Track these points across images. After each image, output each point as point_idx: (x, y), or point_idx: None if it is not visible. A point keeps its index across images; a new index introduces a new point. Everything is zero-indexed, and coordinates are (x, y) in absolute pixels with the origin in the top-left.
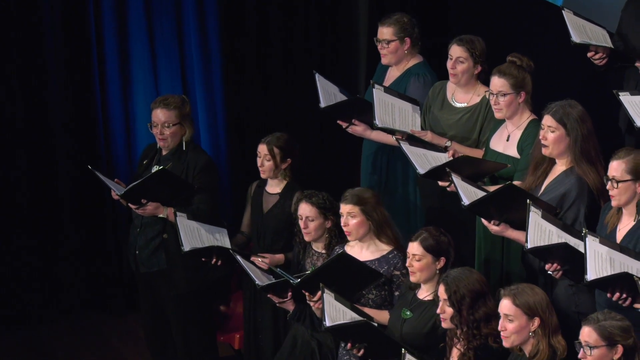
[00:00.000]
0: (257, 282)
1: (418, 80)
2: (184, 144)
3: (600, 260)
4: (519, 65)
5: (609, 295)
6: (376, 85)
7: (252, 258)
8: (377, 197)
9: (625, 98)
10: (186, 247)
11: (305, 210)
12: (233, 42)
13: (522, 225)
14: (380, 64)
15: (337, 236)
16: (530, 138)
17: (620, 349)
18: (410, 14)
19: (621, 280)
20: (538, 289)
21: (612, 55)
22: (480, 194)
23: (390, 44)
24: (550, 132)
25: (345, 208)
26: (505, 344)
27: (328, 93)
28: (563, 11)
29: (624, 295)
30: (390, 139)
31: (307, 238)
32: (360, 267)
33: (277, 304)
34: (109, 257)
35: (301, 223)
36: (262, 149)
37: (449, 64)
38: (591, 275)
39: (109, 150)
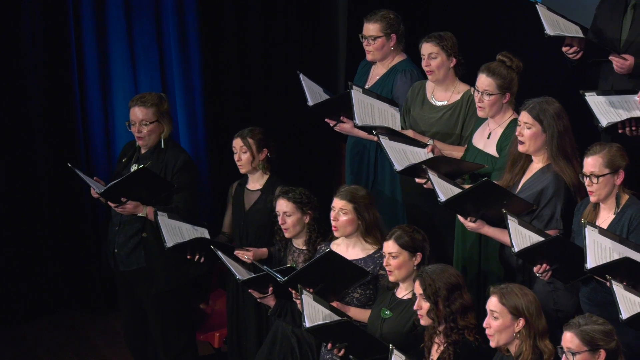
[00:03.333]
0: (238, 276)
1: (405, 76)
2: (162, 142)
3: (599, 250)
4: (509, 65)
5: (608, 284)
6: (354, 87)
7: (236, 252)
8: (371, 197)
9: (591, 98)
10: (169, 243)
11: (282, 206)
12: (212, 40)
13: (498, 222)
14: (361, 63)
15: (316, 231)
16: (509, 138)
17: (602, 353)
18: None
19: (621, 267)
20: (528, 291)
21: (586, 49)
22: (457, 190)
23: (377, 41)
24: (527, 129)
25: (338, 203)
26: (491, 342)
27: (314, 92)
28: (537, 6)
29: (624, 284)
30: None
31: (286, 234)
32: (347, 266)
33: (258, 300)
34: (89, 255)
35: (279, 219)
36: (237, 142)
37: (423, 62)
38: (591, 263)
39: (88, 148)
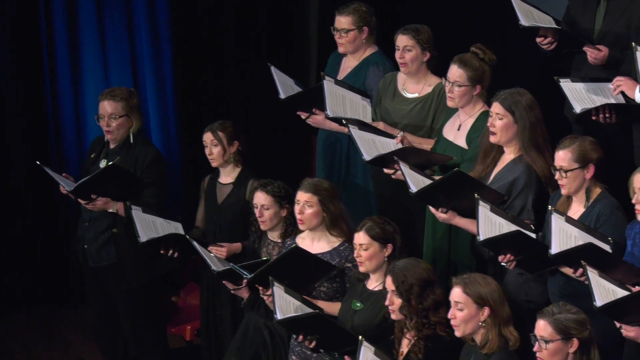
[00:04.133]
0: (213, 267)
1: (378, 69)
2: (131, 136)
3: (564, 237)
4: (482, 58)
5: (571, 272)
6: (327, 77)
7: (210, 247)
8: (335, 189)
9: (565, 84)
10: (143, 238)
11: (260, 199)
12: (184, 33)
13: (469, 213)
14: (332, 54)
15: (292, 224)
16: (479, 130)
17: (575, 342)
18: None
19: (585, 254)
20: (491, 279)
21: (560, 39)
22: (427, 181)
23: (349, 33)
24: (499, 120)
25: (303, 196)
26: (457, 333)
27: (285, 85)
28: None
29: None
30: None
31: (263, 227)
32: (312, 260)
33: (232, 291)
34: (61, 249)
35: (257, 212)
36: (207, 136)
37: (397, 54)
38: (555, 249)
39: (60, 142)
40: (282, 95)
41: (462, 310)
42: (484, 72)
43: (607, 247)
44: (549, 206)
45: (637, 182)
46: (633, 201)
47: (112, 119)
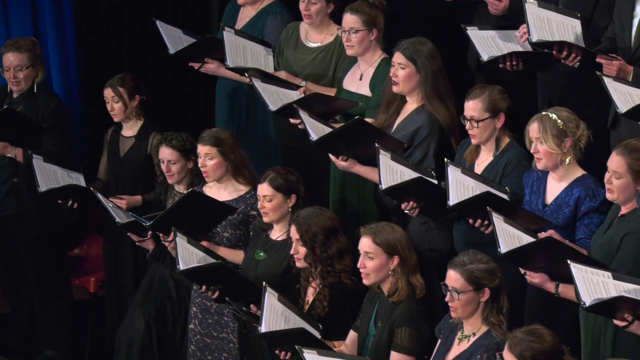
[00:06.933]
0: (118, 219)
1: (275, 19)
2: (35, 86)
3: (462, 188)
4: (372, 2)
5: (470, 221)
6: (226, 28)
7: (110, 199)
8: (234, 137)
9: (472, 32)
10: (42, 188)
11: (166, 154)
12: None
13: (370, 161)
14: (230, 3)
15: (198, 175)
16: (382, 76)
17: (487, 291)
18: None
19: (482, 203)
20: (398, 228)
21: None
22: (328, 129)
23: None
24: (401, 69)
25: (202, 149)
26: (365, 281)
27: (173, 38)
28: None
29: (486, 222)
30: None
31: (170, 181)
32: (211, 204)
33: (137, 243)
34: None
35: (163, 167)
36: (108, 92)
37: (302, 5)
38: (453, 200)
39: None
40: (172, 51)
41: (372, 259)
42: (376, 15)
43: (504, 197)
44: (445, 159)
45: (533, 131)
46: (532, 151)
47: (19, 70)
